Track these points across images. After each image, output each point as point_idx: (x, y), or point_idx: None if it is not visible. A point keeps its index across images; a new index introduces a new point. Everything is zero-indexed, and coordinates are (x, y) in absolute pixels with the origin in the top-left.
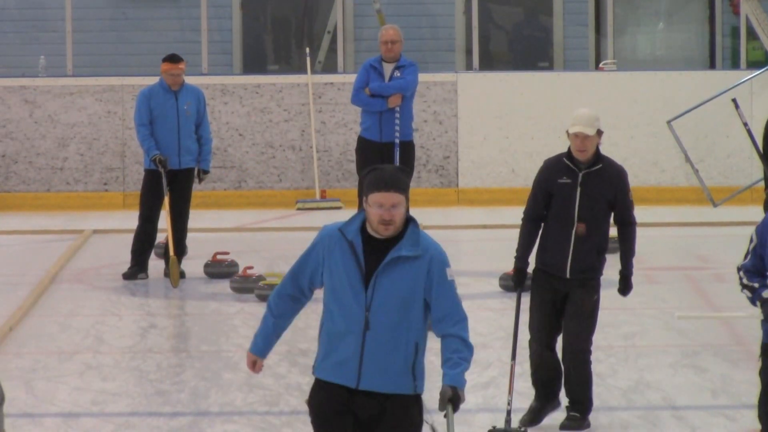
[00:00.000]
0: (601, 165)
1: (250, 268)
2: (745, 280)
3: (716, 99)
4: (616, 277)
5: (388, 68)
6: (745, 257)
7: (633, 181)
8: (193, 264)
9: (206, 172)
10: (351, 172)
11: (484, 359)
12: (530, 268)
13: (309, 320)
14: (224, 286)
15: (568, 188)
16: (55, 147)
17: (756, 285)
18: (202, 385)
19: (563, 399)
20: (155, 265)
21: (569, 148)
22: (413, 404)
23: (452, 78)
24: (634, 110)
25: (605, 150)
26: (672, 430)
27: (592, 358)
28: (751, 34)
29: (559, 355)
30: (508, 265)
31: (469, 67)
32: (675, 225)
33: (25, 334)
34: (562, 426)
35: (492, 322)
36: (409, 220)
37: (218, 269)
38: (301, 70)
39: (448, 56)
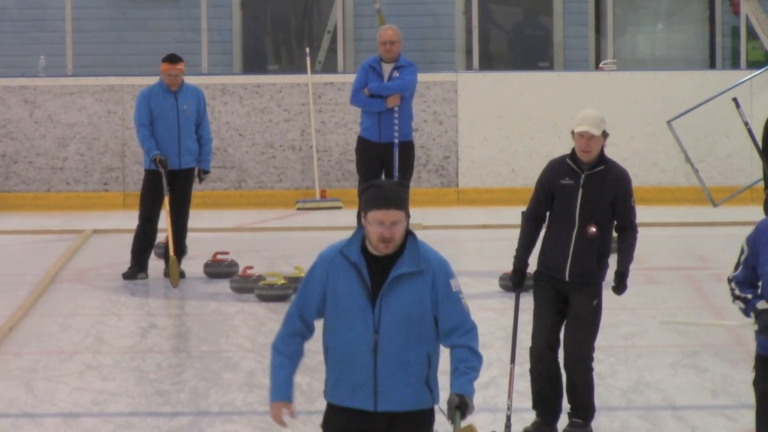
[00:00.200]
0: (603, 167)
1: (250, 268)
2: (737, 291)
3: (716, 99)
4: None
5: (387, 68)
6: (736, 268)
7: (633, 181)
8: (193, 264)
9: (206, 172)
10: (351, 172)
11: (484, 359)
12: (529, 269)
13: None
14: (224, 286)
15: (570, 189)
16: (55, 147)
17: (749, 296)
18: (202, 385)
19: (564, 404)
20: (155, 265)
21: (573, 149)
22: (428, 416)
23: (452, 78)
24: (634, 110)
25: (605, 151)
26: (672, 430)
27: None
28: (751, 34)
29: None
30: (508, 265)
31: (469, 67)
32: (675, 225)
33: (25, 334)
34: None
35: (492, 322)
36: (407, 234)
37: (218, 269)
38: (301, 70)
39: (448, 56)
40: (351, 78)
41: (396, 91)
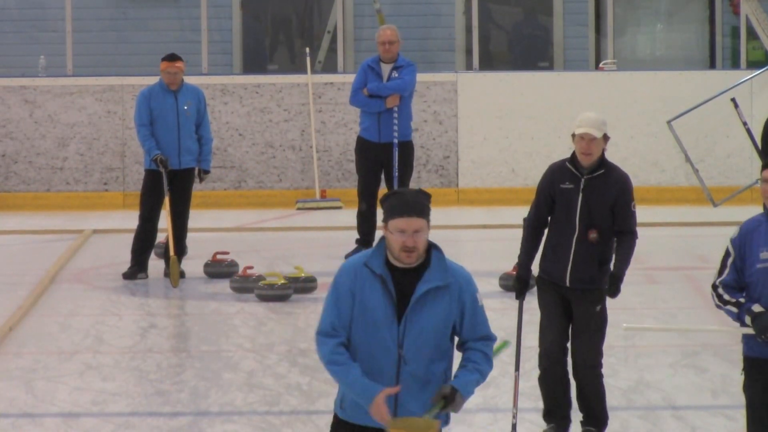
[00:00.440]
0: (603, 170)
1: (250, 268)
2: (726, 296)
3: (716, 99)
4: None
5: (386, 69)
6: (721, 272)
7: (633, 181)
8: (193, 264)
9: (207, 171)
10: (351, 172)
11: None
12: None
13: (309, 320)
14: (224, 286)
15: (570, 193)
16: (55, 147)
17: (742, 300)
18: (202, 385)
19: (575, 413)
20: (155, 265)
21: (573, 153)
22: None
23: (452, 78)
24: (634, 110)
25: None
26: (672, 430)
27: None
28: (751, 34)
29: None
30: (508, 265)
31: (469, 67)
32: (675, 225)
33: (25, 334)
34: None
35: (492, 322)
36: (431, 246)
37: (218, 269)
38: (301, 70)
39: (448, 56)
40: (351, 78)
41: (395, 91)
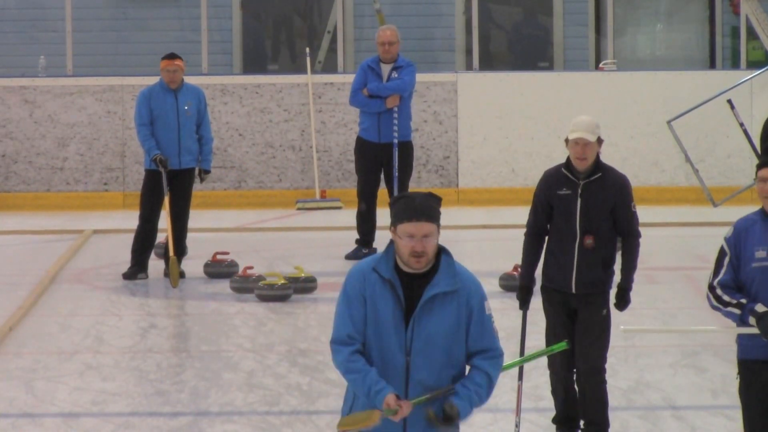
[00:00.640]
0: (600, 174)
1: (250, 268)
2: (726, 298)
3: (716, 99)
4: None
5: (385, 69)
6: (717, 273)
7: (633, 181)
8: (193, 264)
9: (207, 171)
10: (351, 172)
11: None
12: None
13: (309, 320)
14: (224, 286)
15: (568, 199)
16: (55, 147)
17: (743, 300)
18: (202, 385)
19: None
20: (155, 265)
21: (568, 158)
22: None
23: (452, 78)
24: (634, 110)
25: (605, 151)
26: (672, 430)
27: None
28: (751, 34)
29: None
30: (508, 265)
31: (469, 67)
32: (675, 225)
33: (25, 334)
34: None
35: None
36: (440, 251)
37: (218, 269)
38: (301, 70)
39: (448, 56)
40: (351, 78)
41: (395, 92)
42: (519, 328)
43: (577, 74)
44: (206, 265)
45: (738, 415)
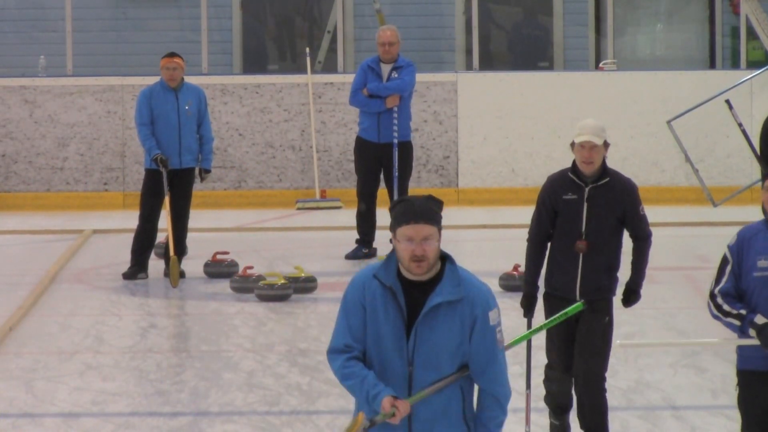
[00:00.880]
0: (608, 179)
1: (250, 268)
2: (726, 307)
3: (716, 99)
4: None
5: (385, 69)
6: (719, 280)
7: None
8: (193, 264)
9: (208, 171)
10: (351, 172)
11: None
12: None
13: (309, 320)
14: (224, 286)
15: (574, 204)
16: (55, 147)
17: (743, 312)
18: (202, 385)
19: (576, 427)
20: (155, 265)
21: (574, 162)
22: None
23: (452, 78)
24: (634, 110)
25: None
26: (672, 430)
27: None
28: (751, 34)
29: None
30: (508, 265)
31: (469, 67)
32: (675, 225)
33: (25, 334)
34: None
35: None
36: (444, 258)
37: (218, 269)
38: (301, 70)
39: (448, 56)
40: (351, 78)
41: (395, 92)
42: (518, 328)
43: (577, 74)
44: (206, 265)
45: (738, 414)
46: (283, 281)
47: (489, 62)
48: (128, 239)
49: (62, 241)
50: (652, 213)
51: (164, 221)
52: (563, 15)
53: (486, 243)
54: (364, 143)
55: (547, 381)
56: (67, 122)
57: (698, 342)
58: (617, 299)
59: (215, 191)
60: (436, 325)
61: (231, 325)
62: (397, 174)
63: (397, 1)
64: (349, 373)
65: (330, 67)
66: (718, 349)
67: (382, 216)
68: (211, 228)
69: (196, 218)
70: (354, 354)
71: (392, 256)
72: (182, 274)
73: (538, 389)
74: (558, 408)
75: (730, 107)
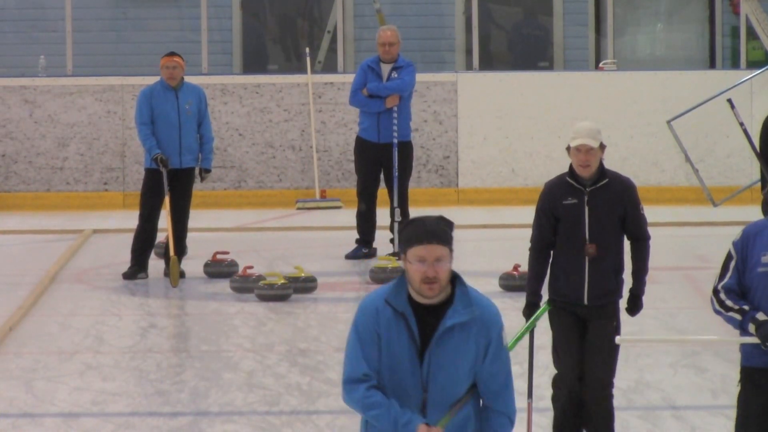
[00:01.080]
0: (607, 180)
1: (250, 267)
2: (729, 303)
3: (716, 99)
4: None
5: (385, 69)
6: (723, 276)
7: (633, 182)
8: (193, 264)
9: (208, 170)
10: (351, 172)
11: None
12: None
13: (309, 320)
14: (224, 286)
15: (575, 209)
16: (55, 147)
17: (746, 307)
18: (202, 385)
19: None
20: (155, 265)
21: (571, 167)
22: None
23: (452, 78)
24: (634, 110)
25: (605, 151)
26: (672, 430)
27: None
28: (751, 34)
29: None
30: (508, 265)
31: (469, 67)
32: (675, 225)
33: (25, 334)
34: None
35: None
36: (454, 278)
37: (218, 269)
38: (301, 70)
39: (448, 56)
40: (351, 78)
41: (395, 92)
42: (518, 327)
43: (577, 74)
44: (206, 265)
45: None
46: (283, 281)
47: (489, 62)
48: (128, 239)
49: (62, 241)
50: (652, 213)
51: (164, 221)
52: (563, 15)
53: (486, 243)
54: (364, 143)
55: (556, 401)
56: (67, 122)
57: (697, 339)
58: (621, 307)
59: (215, 191)
60: (449, 348)
61: (231, 325)
62: (397, 174)
63: (397, 1)
64: (373, 403)
65: (330, 67)
66: (718, 349)
67: (383, 216)
68: (211, 228)
69: (196, 218)
70: (373, 383)
71: (402, 279)
72: (182, 274)
73: (539, 389)
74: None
75: (732, 106)
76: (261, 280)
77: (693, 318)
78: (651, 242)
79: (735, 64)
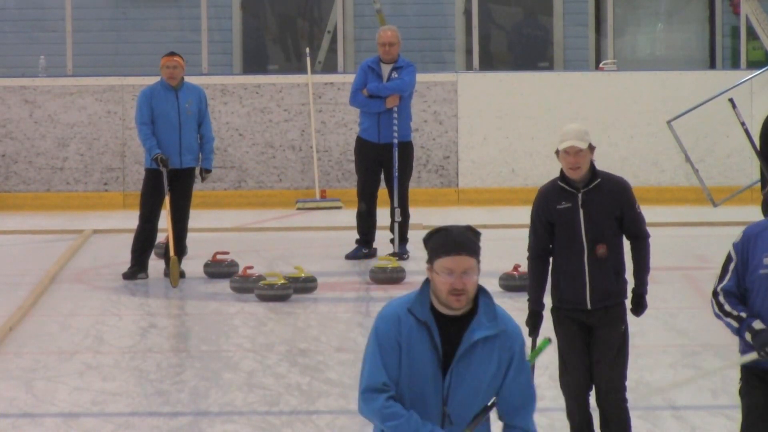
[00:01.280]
0: (599, 180)
1: (250, 268)
2: (728, 307)
3: (716, 99)
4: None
5: (386, 69)
6: (722, 278)
7: (633, 182)
8: (193, 264)
9: (208, 170)
10: (351, 172)
11: None
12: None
13: (309, 320)
14: (224, 286)
15: (570, 212)
16: (55, 147)
17: (744, 315)
18: (202, 385)
19: None
20: (155, 265)
21: (561, 171)
22: None
23: (452, 78)
24: (634, 110)
25: (605, 151)
26: (672, 430)
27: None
28: (751, 34)
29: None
30: (508, 265)
31: (469, 67)
32: (675, 225)
33: (25, 334)
34: None
35: None
36: (479, 291)
37: (218, 269)
38: (301, 70)
39: (448, 56)
40: (351, 78)
41: (395, 92)
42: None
43: (577, 74)
44: (206, 265)
45: (738, 414)
46: (283, 281)
47: (489, 62)
48: (128, 239)
49: (62, 241)
50: (652, 213)
51: (164, 221)
52: (563, 15)
53: (486, 243)
54: (365, 143)
55: (571, 418)
56: (67, 122)
57: (708, 372)
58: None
59: (215, 191)
60: (473, 362)
61: (231, 325)
62: (397, 174)
63: (397, 1)
64: (393, 413)
65: (330, 67)
66: (718, 349)
67: (383, 216)
68: (211, 228)
69: (196, 218)
70: (392, 393)
71: (425, 288)
72: (182, 274)
73: (538, 388)
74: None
75: (734, 106)
76: (261, 280)
77: (693, 318)
78: (651, 241)
79: (735, 64)
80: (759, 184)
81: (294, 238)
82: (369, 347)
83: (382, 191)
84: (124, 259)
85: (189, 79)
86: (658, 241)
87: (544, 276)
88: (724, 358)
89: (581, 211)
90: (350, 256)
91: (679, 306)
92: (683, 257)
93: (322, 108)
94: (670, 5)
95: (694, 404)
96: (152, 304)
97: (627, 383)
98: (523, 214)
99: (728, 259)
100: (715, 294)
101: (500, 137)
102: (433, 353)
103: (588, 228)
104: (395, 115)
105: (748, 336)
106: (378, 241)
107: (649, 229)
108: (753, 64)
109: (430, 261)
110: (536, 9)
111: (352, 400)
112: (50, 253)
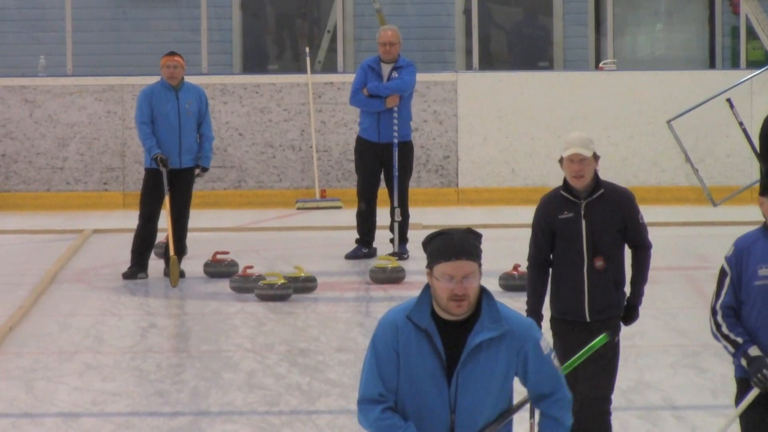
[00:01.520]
0: (603, 190)
1: (250, 267)
2: (725, 329)
3: (716, 99)
4: None
5: (386, 69)
6: (719, 295)
7: (633, 182)
8: (193, 264)
9: (205, 169)
10: (351, 171)
11: None
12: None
13: (309, 320)
14: (224, 285)
15: (572, 222)
16: (55, 147)
17: (740, 340)
18: (202, 385)
19: None
20: (155, 265)
21: (565, 180)
22: None
23: (452, 78)
24: (634, 110)
25: (605, 151)
26: (672, 430)
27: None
28: (751, 34)
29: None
30: (508, 265)
31: (469, 67)
32: (675, 225)
33: (25, 334)
34: None
35: None
36: (481, 292)
37: (218, 269)
38: (301, 70)
39: (448, 56)
40: (351, 78)
41: (395, 91)
42: None
43: (577, 74)
44: (206, 265)
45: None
46: (283, 281)
47: (489, 62)
48: (128, 239)
49: (62, 241)
50: (652, 213)
51: (164, 221)
52: (563, 15)
53: (486, 243)
54: (365, 143)
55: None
56: (67, 122)
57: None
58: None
59: (215, 191)
60: (478, 366)
61: (231, 325)
62: (397, 174)
63: (397, 1)
64: (389, 425)
65: (330, 67)
66: (718, 350)
67: (383, 216)
68: (211, 228)
69: (196, 218)
70: (389, 404)
71: (425, 293)
72: (182, 274)
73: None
74: None
75: (731, 106)
76: (261, 280)
77: (693, 318)
78: (651, 253)
79: (735, 64)
80: (758, 185)
81: (294, 238)
82: (367, 357)
83: (382, 191)
84: (124, 259)
85: (189, 79)
86: (658, 241)
87: (544, 285)
88: (724, 359)
89: (583, 222)
90: (350, 256)
91: (679, 306)
92: (683, 257)
93: (322, 108)
94: (670, 5)
95: (694, 404)
96: (152, 304)
97: (626, 383)
98: (523, 214)
99: (722, 273)
100: (713, 312)
101: (500, 137)
102: (436, 360)
103: (589, 239)
104: (395, 114)
105: (743, 362)
106: (378, 241)
107: (650, 229)
108: (753, 64)
109: (430, 266)
110: (536, 9)
111: (352, 400)
112: (50, 253)
